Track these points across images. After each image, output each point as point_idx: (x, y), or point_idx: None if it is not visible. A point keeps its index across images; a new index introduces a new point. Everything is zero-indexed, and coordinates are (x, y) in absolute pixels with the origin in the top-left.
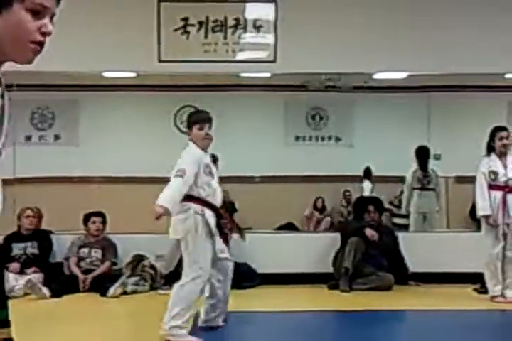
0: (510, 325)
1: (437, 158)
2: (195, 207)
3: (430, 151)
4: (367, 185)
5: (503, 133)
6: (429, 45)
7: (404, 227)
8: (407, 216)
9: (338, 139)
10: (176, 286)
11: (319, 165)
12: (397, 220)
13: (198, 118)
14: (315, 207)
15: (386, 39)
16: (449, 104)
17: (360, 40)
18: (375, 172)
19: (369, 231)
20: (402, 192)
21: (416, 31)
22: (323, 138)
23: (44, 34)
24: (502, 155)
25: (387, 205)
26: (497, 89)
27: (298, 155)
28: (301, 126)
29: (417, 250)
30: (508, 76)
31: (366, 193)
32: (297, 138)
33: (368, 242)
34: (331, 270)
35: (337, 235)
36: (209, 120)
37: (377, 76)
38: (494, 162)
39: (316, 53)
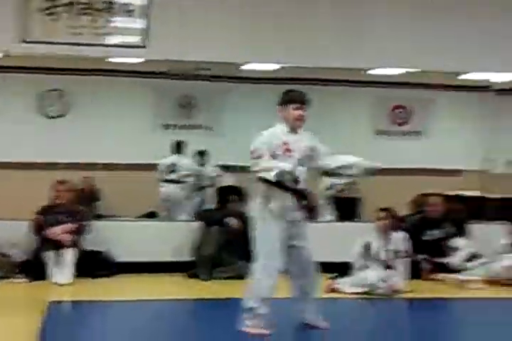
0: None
1: None
2: (263, 188)
3: None
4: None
5: None
6: (300, 37)
7: None
8: None
9: (208, 128)
10: None
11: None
12: None
13: (295, 98)
14: None
15: (258, 30)
16: (316, 97)
17: (233, 29)
18: (247, 161)
19: (231, 220)
20: None
21: (288, 22)
22: (193, 127)
23: None
24: None
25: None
26: (359, 84)
27: (166, 143)
28: (171, 114)
29: None
30: (371, 72)
31: None
32: (166, 126)
33: (230, 231)
34: (192, 258)
35: (199, 224)
36: (306, 102)
37: (248, 67)
38: None
39: (188, 41)
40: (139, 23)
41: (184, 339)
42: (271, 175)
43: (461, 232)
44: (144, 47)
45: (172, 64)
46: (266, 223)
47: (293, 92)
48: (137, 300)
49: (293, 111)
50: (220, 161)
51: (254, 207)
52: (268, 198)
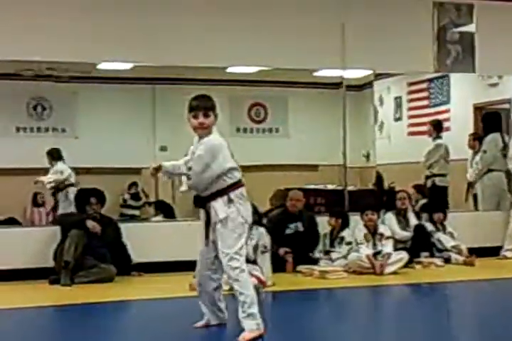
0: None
1: (164, 149)
2: None
3: None
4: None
5: None
6: (159, 36)
7: (136, 218)
8: (137, 207)
9: (63, 130)
10: None
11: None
12: (128, 211)
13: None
14: (35, 203)
15: (111, 28)
16: (173, 96)
17: (84, 28)
18: (102, 163)
19: (90, 223)
20: (134, 183)
21: (146, 21)
22: (46, 130)
23: None
24: None
25: (121, 197)
26: (218, 82)
27: (21, 146)
28: (23, 117)
29: (141, 240)
30: (229, 70)
31: None
32: (18, 129)
33: (90, 234)
34: (52, 264)
35: (58, 228)
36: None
37: (102, 66)
38: None
39: (33, 40)
40: None
41: None
42: None
43: (345, 223)
44: None
45: (19, 65)
46: None
47: (192, 100)
48: None
49: (192, 120)
50: (72, 164)
51: None
52: None
